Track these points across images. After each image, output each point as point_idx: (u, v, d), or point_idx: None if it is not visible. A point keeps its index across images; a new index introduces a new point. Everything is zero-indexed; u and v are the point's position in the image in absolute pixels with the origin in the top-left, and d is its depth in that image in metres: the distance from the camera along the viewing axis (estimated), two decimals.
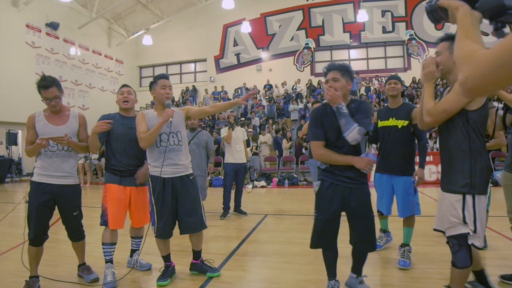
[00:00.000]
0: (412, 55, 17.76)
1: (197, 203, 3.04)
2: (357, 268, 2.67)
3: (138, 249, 3.28)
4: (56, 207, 2.92)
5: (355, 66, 18.47)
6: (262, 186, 9.89)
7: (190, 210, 2.98)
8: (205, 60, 20.47)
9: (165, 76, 3.10)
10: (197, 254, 3.16)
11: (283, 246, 4.00)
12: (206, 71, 20.53)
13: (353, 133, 2.29)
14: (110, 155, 3.13)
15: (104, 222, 3.04)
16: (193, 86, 19.96)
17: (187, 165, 3.06)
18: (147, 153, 3.03)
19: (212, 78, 20.03)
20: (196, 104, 18.66)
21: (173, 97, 18.94)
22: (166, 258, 3.11)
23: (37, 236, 2.82)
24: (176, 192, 2.96)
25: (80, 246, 3.09)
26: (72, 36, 16.57)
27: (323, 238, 2.54)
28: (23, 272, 2.92)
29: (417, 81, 15.78)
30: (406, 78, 16.66)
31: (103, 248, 3.04)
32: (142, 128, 2.92)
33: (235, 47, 19.86)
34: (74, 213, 2.99)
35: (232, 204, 5.90)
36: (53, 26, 15.34)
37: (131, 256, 3.35)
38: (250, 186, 7.07)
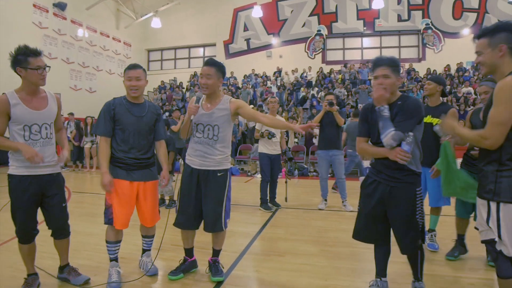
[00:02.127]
0: (427, 45, 17.20)
1: (217, 201, 2.79)
2: (413, 271, 2.52)
3: (149, 249, 3.03)
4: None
5: (368, 55, 18.00)
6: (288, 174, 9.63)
7: (208, 209, 2.80)
8: (214, 45, 20.05)
9: (131, 67, 2.81)
10: (214, 253, 2.97)
11: (298, 244, 3.79)
12: (215, 56, 20.08)
13: (387, 138, 2.24)
14: (116, 147, 2.79)
15: (108, 220, 2.77)
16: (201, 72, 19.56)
17: (218, 160, 2.80)
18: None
19: None
20: None
21: (181, 82, 18.69)
22: (187, 252, 2.99)
23: (27, 233, 2.57)
24: (200, 185, 2.80)
25: (65, 244, 2.78)
26: (79, 17, 16.23)
27: (363, 232, 2.53)
28: (23, 266, 2.72)
29: (431, 72, 15.30)
30: (420, 68, 16.20)
31: (107, 246, 2.84)
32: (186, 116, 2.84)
33: (245, 32, 19.39)
34: (63, 204, 2.70)
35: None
36: (61, 6, 15.00)
37: (142, 256, 3.07)
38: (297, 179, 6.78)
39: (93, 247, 3.57)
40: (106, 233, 2.83)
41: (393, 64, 2.31)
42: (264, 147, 5.52)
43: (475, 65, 15.72)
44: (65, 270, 2.79)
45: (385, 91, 2.28)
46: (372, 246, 3.56)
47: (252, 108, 4.36)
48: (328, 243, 3.84)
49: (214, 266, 2.91)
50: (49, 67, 2.59)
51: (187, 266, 2.98)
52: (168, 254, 3.43)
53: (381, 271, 2.58)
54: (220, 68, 2.78)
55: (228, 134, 2.86)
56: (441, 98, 3.58)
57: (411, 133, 2.20)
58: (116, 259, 2.86)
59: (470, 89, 13.48)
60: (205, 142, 2.79)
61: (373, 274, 2.92)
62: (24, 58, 2.43)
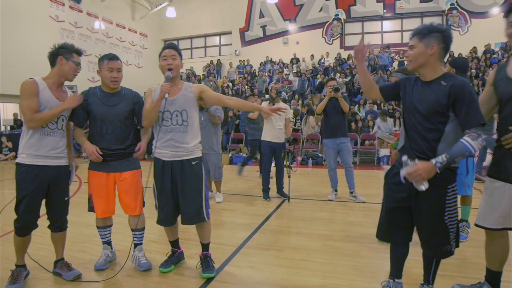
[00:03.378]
0: (452, 27, 16.28)
1: (195, 192, 2.67)
2: (425, 273, 2.23)
3: (140, 243, 2.94)
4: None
5: (388, 38, 17.32)
6: (287, 166, 9.46)
7: (186, 200, 2.66)
8: (230, 33, 19.82)
9: (112, 58, 2.74)
10: (202, 247, 2.83)
11: (300, 238, 3.60)
12: (231, 44, 19.93)
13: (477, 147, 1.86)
14: (91, 138, 2.79)
15: (91, 208, 2.86)
16: (218, 59, 19.48)
17: (190, 148, 2.67)
18: (153, 131, 2.75)
19: (237, 52, 19.43)
20: (221, 79, 18.24)
21: (194, 72, 18.61)
22: (173, 244, 2.93)
23: (27, 226, 2.52)
24: (175, 177, 2.67)
25: (62, 237, 2.76)
26: (95, 10, 16.33)
27: (388, 230, 2.19)
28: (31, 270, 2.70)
29: (455, 55, 14.52)
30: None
31: (98, 231, 2.95)
32: (146, 105, 2.67)
33: (261, 19, 19.03)
34: (66, 198, 2.71)
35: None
36: None
37: (134, 250, 2.96)
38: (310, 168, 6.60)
39: (90, 239, 3.53)
40: (95, 220, 2.91)
41: (422, 31, 2.01)
42: (267, 134, 5.32)
43: (505, 45, 14.81)
44: (58, 265, 2.75)
45: (411, 63, 2.05)
46: (375, 241, 3.37)
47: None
48: (333, 237, 3.62)
49: (205, 262, 2.77)
50: (81, 68, 2.70)
51: (176, 257, 2.93)
52: (162, 246, 3.33)
53: (396, 272, 2.29)
54: (180, 52, 2.74)
55: (196, 120, 2.73)
56: None
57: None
58: (108, 243, 2.97)
59: None
60: (175, 130, 2.64)
61: (376, 273, 2.75)
62: (69, 51, 2.60)
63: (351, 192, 5.22)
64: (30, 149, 2.52)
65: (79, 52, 2.66)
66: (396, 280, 2.30)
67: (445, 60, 12.56)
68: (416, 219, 2.09)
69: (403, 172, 1.95)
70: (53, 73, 2.61)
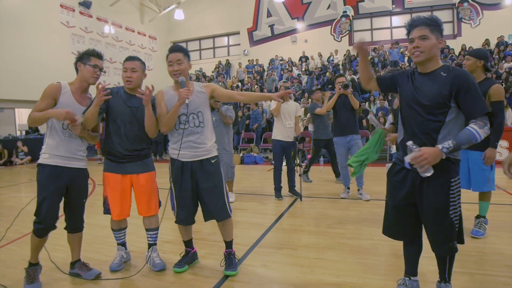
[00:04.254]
0: (463, 20, 16.02)
1: (217, 189, 2.72)
2: (440, 271, 2.17)
3: (154, 243, 2.96)
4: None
5: (397, 34, 17.10)
6: (297, 165, 9.42)
7: (211, 197, 2.70)
8: (238, 33, 19.87)
9: (128, 58, 2.81)
10: (226, 245, 2.87)
11: (313, 237, 3.59)
12: (239, 44, 19.97)
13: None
14: (107, 138, 2.82)
15: (106, 211, 2.88)
16: (227, 60, 19.55)
17: (208, 148, 2.72)
18: (168, 134, 2.78)
19: (245, 52, 19.47)
20: (230, 79, 18.29)
21: (203, 73, 18.68)
22: (187, 244, 2.97)
23: (47, 227, 2.54)
24: (195, 177, 2.70)
25: (78, 239, 2.80)
26: (105, 14, 16.56)
27: (392, 227, 2.21)
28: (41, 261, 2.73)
29: (467, 49, 14.26)
30: (456, 45, 15.17)
31: (113, 233, 3.00)
32: (161, 109, 2.71)
33: (269, 18, 19.01)
34: (84, 200, 2.76)
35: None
36: (86, 4, 15.36)
37: (148, 250, 2.99)
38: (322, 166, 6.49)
39: (105, 240, 3.57)
40: (110, 222, 2.94)
41: (432, 22, 1.98)
42: (278, 133, 5.28)
43: None
44: (76, 266, 2.79)
45: (423, 55, 1.97)
46: (388, 238, 3.34)
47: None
48: (346, 235, 3.60)
49: (229, 259, 2.82)
50: (105, 71, 2.72)
51: (190, 257, 2.95)
52: (176, 247, 3.35)
53: (410, 269, 2.28)
54: (186, 53, 2.74)
55: (210, 119, 2.79)
56: (486, 73, 3.29)
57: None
58: (122, 244, 3.00)
59: (508, 65, 12.42)
60: (193, 132, 2.69)
61: (391, 270, 2.73)
62: (87, 56, 2.66)
63: (358, 190, 5.15)
64: (51, 149, 2.58)
65: (98, 55, 2.70)
66: (412, 278, 2.27)
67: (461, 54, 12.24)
68: (422, 215, 2.06)
69: (408, 158, 1.92)
70: (77, 79, 2.69)
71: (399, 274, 2.64)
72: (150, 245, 2.97)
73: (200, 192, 2.73)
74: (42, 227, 2.53)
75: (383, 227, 2.29)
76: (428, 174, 1.89)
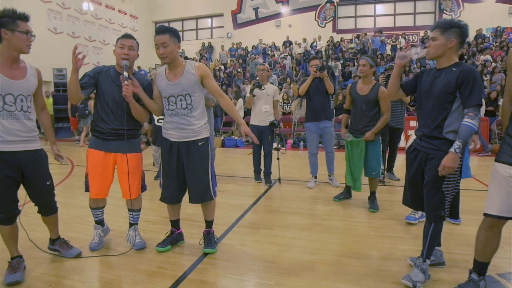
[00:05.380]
0: (445, 11, 16.31)
1: (202, 171, 2.75)
2: (422, 244, 2.36)
3: (136, 223, 2.99)
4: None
5: (381, 23, 17.28)
6: (275, 148, 9.53)
7: (194, 179, 2.74)
8: (221, 15, 19.57)
9: (126, 36, 2.76)
10: (206, 224, 2.95)
11: (290, 217, 3.71)
12: (222, 26, 19.70)
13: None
14: (95, 115, 2.81)
15: (87, 188, 2.85)
16: (209, 42, 19.28)
17: (196, 129, 2.72)
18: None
19: (229, 34, 19.24)
20: (212, 62, 18.08)
21: (185, 55, 18.40)
22: (173, 224, 2.99)
23: (8, 214, 2.37)
24: (182, 157, 2.73)
25: (54, 220, 2.73)
26: None
27: (408, 198, 2.56)
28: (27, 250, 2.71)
29: None
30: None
31: (91, 211, 2.98)
32: (154, 93, 2.76)
33: (253, 1, 18.80)
34: (47, 183, 2.55)
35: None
36: None
37: (129, 229, 3.03)
38: (284, 149, 6.21)
39: (84, 219, 3.58)
40: (89, 200, 2.92)
41: (444, 25, 2.24)
42: (254, 118, 5.21)
43: (496, 30, 14.89)
44: (57, 243, 2.79)
45: (430, 53, 2.28)
46: (364, 220, 3.53)
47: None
48: (323, 216, 3.74)
49: (208, 238, 2.90)
50: (34, 36, 2.44)
51: (174, 238, 2.98)
52: (157, 226, 3.42)
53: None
54: (174, 33, 2.63)
55: (201, 100, 2.76)
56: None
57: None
58: (100, 222, 3.00)
59: (488, 56, 12.79)
60: (180, 113, 2.70)
61: (363, 249, 2.87)
62: (12, 20, 2.28)
63: (329, 175, 5.18)
64: None
65: (25, 18, 2.35)
66: (436, 247, 2.46)
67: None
68: (423, 185, 2.36)
69: (414, 54, 2.33)
70: (2, 49, 2.33)
71: (370, 252, 2.80)
72: (131, 225, 3.00)
73: (186, 174, 2.75)
74: (4, 216, 2.36)
75: (403, 198, 2.63)
76: (417, 56, 2.33)
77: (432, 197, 2.28)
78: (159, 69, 2.80)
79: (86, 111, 10.20)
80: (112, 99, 2.72)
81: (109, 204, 3.12)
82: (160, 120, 5.37)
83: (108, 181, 2.83)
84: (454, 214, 2.37)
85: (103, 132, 2.75)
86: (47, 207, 2.63)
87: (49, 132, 2.73)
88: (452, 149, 2.14)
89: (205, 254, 2.80)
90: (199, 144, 2.74)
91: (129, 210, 2.98)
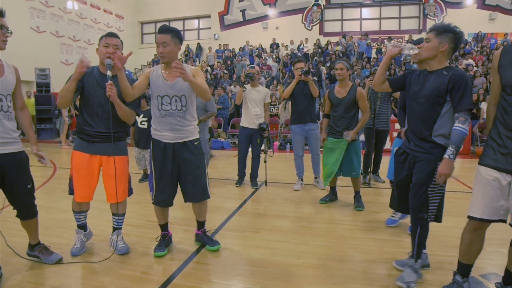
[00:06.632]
0: (429, 16, 16.65)
1: (199, 171, 2.76)
2: (412, 245, 2.40)
3: (120, 227, 2.93)
4: None
5: (367, 26, 17.50)
6: (263, 151, 9.52)
7: (191, 179, 2.74)
8: (209, 17, 19.50)
9: (110, 34, 2.68)
10: (199, 225, 2.99)
11: (276, 220, 3.70)
12: (210, 28, 19.62)
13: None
14: (80, 116, 2.73)
15: (71, 191, 2.76)
16: (198, 43, 19.19)
17: (191, 130, 2.74)
18: (152, 115, 2.75)
19: (216, 36, 19.17)
20: (199, 63, 17.99)
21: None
22: (163, 227, 2.96)
23: None
24: (177, 158, 2.71)
25: (34, 224, 2.65)
26: None
27: (396, 201, 2.54)
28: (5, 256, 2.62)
29: None
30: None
31: (74, 215, 2.89)
32: (135, 83, 2.70)
33: (241, 2, 18.79)
34: (28, 186, 2.48)
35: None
36: None
37: (112, 234, 2.95)
38: (271, 151, 6.15)
39: (66, 224, 3.48)
40: (72, 203, 2.84)
41: (437, 28, 2.24)
42: (244, 120, 5.19)
43: (477, 36, 15.25)
44: (36, 248, 2.69)
45: (421, 54, 2.26)
46: (350, 222, 3.54)
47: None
48: (309, 219, 3.75)
49: (207, 237, 2.97)
50: (11, 32, 2.36)
51: (168, 240, 2.97)
52: (141, 230, 3.36)
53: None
54: (175, 34, 2.64)
55: (194, 103, 2.79)
56: None
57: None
58: (82, 226, 2.91)
59: (471, 61, 13.09)
60: (175, 115, 2.68)
61: (349, 252, 2.88)
62: None
63: (315, 178, 5.19)
64: None
65: (0, 13, 2.28)
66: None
67: None
68: (410, 190, 2.35)
69: (407, 49, 2.29)
70: None
71: (357, 256, 2.81)
72: (114, 229, 2.94)
73: (181, 173, 2.74)
74: None
75: (390, 201, 2.63)
76: (410, 52, 2.30)
77: (417, 199, 2.29)
78: (155, 66, 2.77)
79: (56, 111, 9.97)
80: (97, 101, 2.65)
81: (92, 208, 3.03)
82: (143, 122, 5.31)
83: (93, 184, 2.76)
84: (438, 218, 2.38)
85: (89, 135, 2.68)
86: (27, 211, 2.55)
87: (30, 133, 2.63)
88: (446, 156, 2.14)
89: (191, 258, 2.76)
90: (195, 143, 2.76)
91: (113, 214, 2.91)
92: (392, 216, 3.53)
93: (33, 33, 13.83)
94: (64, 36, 15.38)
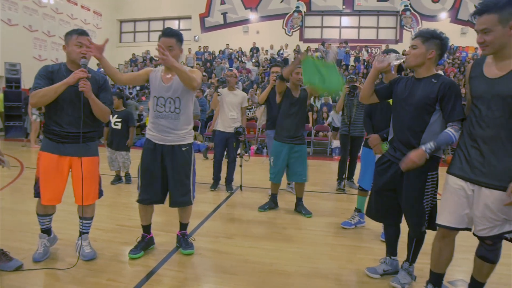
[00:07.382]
0: (405, 27, 17.16)
1: (183, 176, 2.76)
2: (408, 252, 2.46)
3: (87, 232, 2.81)
4: None
5: (346, 34, 17.82)
6: (239, 154, 9.47)
7: (176, 184, 2.75)
8: (189, 18, 19.33)
9: (83, 33, 2.58)
10: (181, 226, 3.00)
11: (250, 226, 3.67)
12: (190, 29, 19.43)
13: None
14: (48, 116, 2.59)
15: (37, 194, 2.60)
16: None
17: (182, 134, 2.73)
18: (149, 113, 2.77)
19: (196, 37, 19.03)
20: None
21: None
22: (145, 229, 2.92)
23: None
24: (164, 161, 2.72)
25: None
26: None
27: (373, 209, 2.51)
28: None
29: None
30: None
31: (38, 218, 2.73)
32: (132, 72, 2.57)
33: (222, 5, 18.74)
34: None
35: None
36: None
37: (78, 239, 2.81)
38: (247, 155, 6.07)
39: (29, 227, 3.31)
40: (36, 206, 2.69)
41: (425, 34, 2.21)
42: (220, 124, 5.12)
43: (449, 48, 15.81)
44: None
45: (409, 61, 2.24)
46: (323, 229, 3.56)
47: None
48: (282, 224, 3.73)
49: (184, 240, 2.93)
50: None
51: (146, 243, 2.90)
52: (109, 235, 3.25)
53: (390, 249, 2.60)
54: (180, 37, 2.68)
55: (189, 106, 2.76)
56: (400, 72, 3.56)
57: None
58: (46, 230, 2.77)
59: (441, 72, 13.54)
60: (168, 116, 2.67)
61: (322, 258, 2.90)
62: None
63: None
64: None
65: None
66: (392, 257, 2.57)
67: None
68: (401, 202, 2.34)
69: (394, 60, 2.37)
70: None
71: (329, 261, 2.82)
72: (81, 233, 2.81)
73: (168, 177, 2.74)
74: None
75: (366, 209, 2.59)
76: (397, 62, 2.41)
77: (413, 212, 2.27)
78: (158, 67, 2.78)
79: (23, 109, 9.56)
80: (68, 100, 2.53)
81: (59, 211, 2.89)
82: (117, 123, 5.18)
83: (62, 187, 2.62)
84: (432, 226, 2.29)
85: (57, 135, 2.56)
86: None
87: None
88: (423, 147, 2.11)
89: (161, 264, 2.68)
90: (183, 149, 2.74)
91: (80, 217, 2.78)
92: (350, 220, 3.67)
93: (3, 26, 13.27)
94: (38, 30, 14.86)
